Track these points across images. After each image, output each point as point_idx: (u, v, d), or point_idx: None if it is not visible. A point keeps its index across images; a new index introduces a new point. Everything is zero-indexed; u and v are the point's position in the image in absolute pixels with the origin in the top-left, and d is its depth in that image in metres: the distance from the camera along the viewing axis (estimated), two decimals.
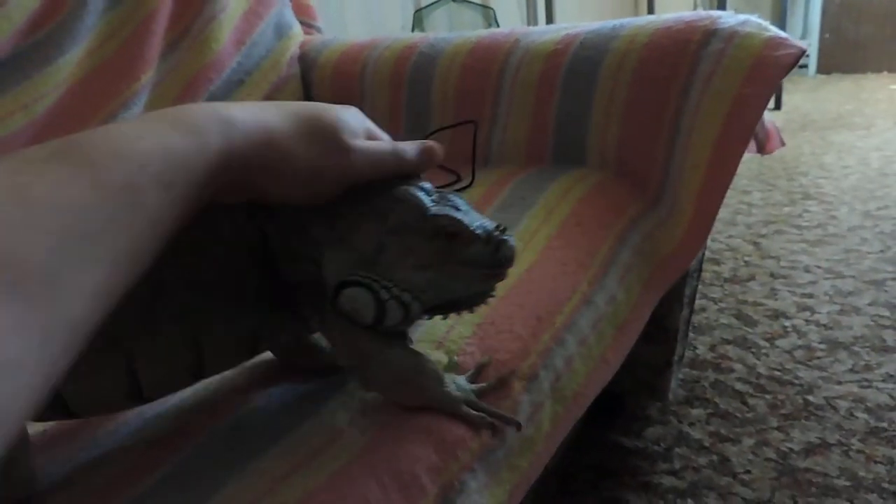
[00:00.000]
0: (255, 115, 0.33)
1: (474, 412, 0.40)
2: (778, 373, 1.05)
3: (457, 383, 0.42)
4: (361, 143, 0.37)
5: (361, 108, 1.01)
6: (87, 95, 0.81)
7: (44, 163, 0.23)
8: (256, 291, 0.40)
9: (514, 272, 0.59)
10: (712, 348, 1.13)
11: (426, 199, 0.38)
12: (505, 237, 0.37)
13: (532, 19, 2.27)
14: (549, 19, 2.26)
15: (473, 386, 0.43)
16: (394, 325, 0.37)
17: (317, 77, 1.04)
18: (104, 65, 0.83)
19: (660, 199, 0.74)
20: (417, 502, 0.40)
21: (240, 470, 0.38)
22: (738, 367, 1.07)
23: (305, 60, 1.06)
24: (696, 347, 1.14)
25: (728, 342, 1.15)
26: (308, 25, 1.13)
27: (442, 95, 0.90)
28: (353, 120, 0.38)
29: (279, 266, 0.40)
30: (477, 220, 0.37)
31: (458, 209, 0.38)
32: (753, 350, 1.12)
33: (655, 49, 0.72)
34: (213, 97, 0.92)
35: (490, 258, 0.36)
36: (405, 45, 0.96)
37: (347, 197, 0.38)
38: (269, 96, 0.99)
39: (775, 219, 1.74)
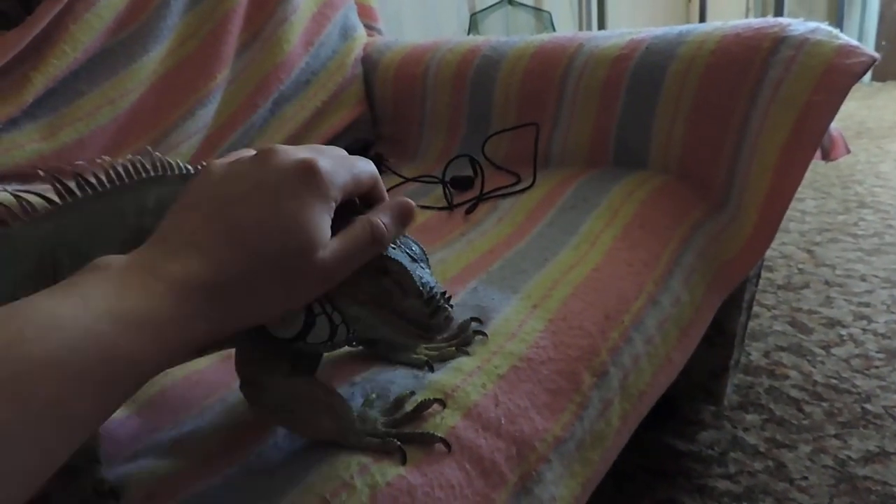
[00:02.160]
0: (215, 270, 0.30)
1: (376, 440, 0.38)
2: (834, 381, 1.03)
3: (366, 416, 0.40)
4: (331, 250, 0.32)
5: (423, 109, 1.04)
6: (168, 92, 0.84)
7: None
8: None
9: (581, 271, 0.60)
10: (766, 355, 1.12)
11: None
12: (445, 305, 0.36)
13: (585, 24, 2.27)
14: (602, 24, 2.26)
15: (383, 419, 0.41)
16: (315, 342, 0.36)
17: (379, 78, 1.07)
18: (183, 63, 0.87)
19: (723, 204, 0.75)
20: (498, 488, 0.42)
21: (334, 454, 0.39)
22: (793, 374, 1.06)
23: (368, 61, 1.08)
24: (749, 353, 1.13)
25: (782, 349, 1.14)
26: (370, 27, 1.16)
27: (504, 98, 0.92)
28: (304, 223, 0.32)
29: None
30: (426, 278, 0.36)
31: (413, 259, 0.37)
32: (809, 358, 1.10)
33: (723, 55, 0.72)
34: (283, 96, 0.96)
35: (423, 318, 0.36)
36: (468, 48, 0.98)
37: None
38: (335, 96, 1.02)
39: (830, 227, 1.71)
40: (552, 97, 0.87)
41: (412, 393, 0.43)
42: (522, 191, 0.80)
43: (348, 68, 1.05)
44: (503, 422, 0.44)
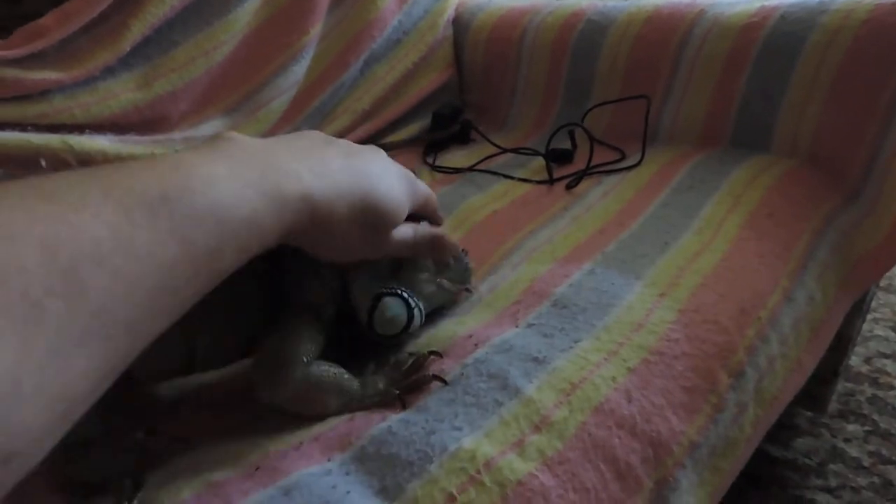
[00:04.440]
0: (326, 192, 0.34)
1: (377, 397, 0.40)
2: None
3: (367, 382, 0.41)
4: (397, 235, 0.40)
5: (516, 76, 0.98)
6: (261, 46, 0.81)
7: (150, 211, 0.24)
8: (257, 308, 0.42)
9: (709, 260, 0.55)
10: (867, 361, 1.04)
11: None
12: (468, 259, 0.49)
13: None
14: None
15: (385, 380, 0.41)
16: (413, 330, 0.43)
17: (470, 40, 1.02)
18: (277, 15, 0.83)
19: (859, 194, 0.67)
20: (634, 495, 0.38)
21: (455, 442, 0.36)
22: None
23: (460, 23, 1.03)
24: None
25: (885, 356, 1.05)
26: None
27: (609, 67, 0.85)
28: (400, 204, 0.39)
29: (285, 289, 0.42)
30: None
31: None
32: None
33: (877, 26, 0.64)
34: (374, 55, 0.92)
35: (462, 275, 0.48)
36: (571, 12, 0.92)
37: None
38: (424, 58, 0.97)
39: None
40: (666, 68, 0.80)
41: (410, 354, 0.43)
42: (628, 168, 0.74)
43: (439, 29, 1.00)
44: (638, 420, 0.40)
